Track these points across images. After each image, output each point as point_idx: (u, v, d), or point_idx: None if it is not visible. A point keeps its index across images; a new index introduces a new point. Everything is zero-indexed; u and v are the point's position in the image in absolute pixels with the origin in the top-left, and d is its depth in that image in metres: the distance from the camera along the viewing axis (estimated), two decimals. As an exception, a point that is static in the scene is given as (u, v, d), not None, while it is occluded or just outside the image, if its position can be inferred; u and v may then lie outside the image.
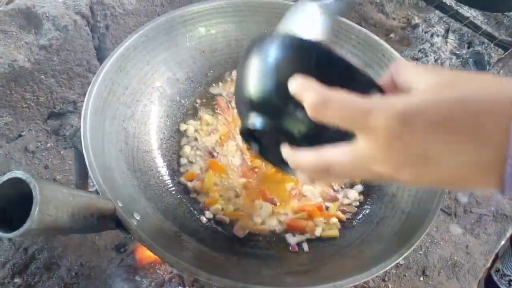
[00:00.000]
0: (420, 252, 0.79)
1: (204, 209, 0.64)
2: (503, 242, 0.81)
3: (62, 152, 0.97)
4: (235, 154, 0.69)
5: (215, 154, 0.69)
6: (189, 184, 0.66)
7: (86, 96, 0.60)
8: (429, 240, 0.81)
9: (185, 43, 0.76)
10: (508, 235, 0.82)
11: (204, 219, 0.63)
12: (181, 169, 0.68)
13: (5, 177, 0.37)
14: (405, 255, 0.52)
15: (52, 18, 0.91)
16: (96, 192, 0.53)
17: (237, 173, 0.68)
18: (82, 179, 0.78)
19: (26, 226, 0.34)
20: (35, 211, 0.35)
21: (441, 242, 0.81)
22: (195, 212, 0.64)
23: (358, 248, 0.60)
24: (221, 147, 0.70)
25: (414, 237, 0.54)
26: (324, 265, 0.59)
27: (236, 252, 0.60)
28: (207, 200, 0.65)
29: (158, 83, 0.72)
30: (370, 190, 0.69)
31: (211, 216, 0.63)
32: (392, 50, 0.74)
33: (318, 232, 0.63)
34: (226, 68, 0.80)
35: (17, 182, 0.36)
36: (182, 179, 0.67)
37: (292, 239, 0.63)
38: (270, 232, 0.63)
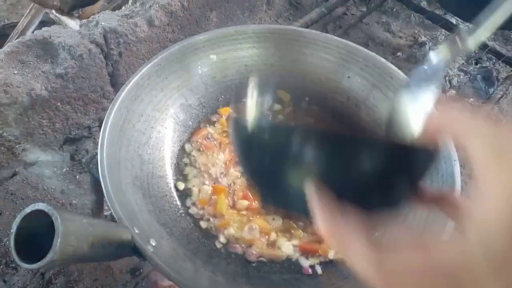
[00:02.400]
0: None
1: (217, 233, 0.65)
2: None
3: (77, 177, 0.99)
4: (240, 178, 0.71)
5: (220, 180, 0.70)
6: (201, 212, 0.67)
7: (103, 125, 0.62)
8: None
9: (197, 70, 0.78)
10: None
11: (218, 244, 0.64)
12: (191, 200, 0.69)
13: (28, 209, 0.38)
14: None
15: (68, 48, 0.94)
16: (111, 216, 0.54)
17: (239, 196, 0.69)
18: (98, 204, 0.80)
19: (48, 257, 0.35)
20: (57, 242, 0.36)
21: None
22: (209, 236, 0.65)
23: (372, 270, 0.60)
24: (227, 171, 0.72)
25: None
26: (338, 288, 0.59)
27: (250, 276, 0.60)
28: (220, 223, 0.66)
29: (171, 110, 0.74)
30: (382, 212, 0.69)
31: (225, 241, 0.64)
32: (400, 72, 0.75)
33: (331, 254, 0.64)
34: (236, 92, 0.82)
35: (39, 213, 0.38)
36: (194, 209, 0.68)
37: (305, 262, 0.63)
38: (283, 256, 0.64)
